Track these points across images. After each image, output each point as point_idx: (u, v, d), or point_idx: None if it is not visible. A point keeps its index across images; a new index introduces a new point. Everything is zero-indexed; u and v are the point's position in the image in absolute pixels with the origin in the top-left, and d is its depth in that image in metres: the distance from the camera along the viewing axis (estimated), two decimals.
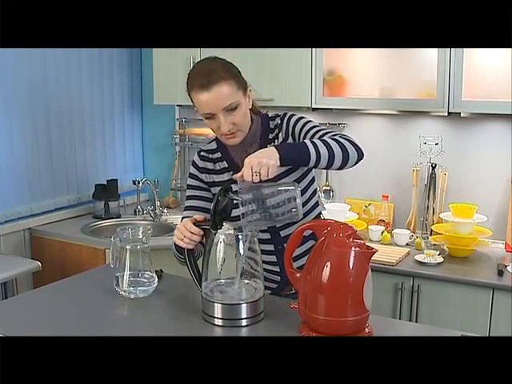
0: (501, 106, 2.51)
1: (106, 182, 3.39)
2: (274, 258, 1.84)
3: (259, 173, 1.52)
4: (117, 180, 3.43)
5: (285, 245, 1.68)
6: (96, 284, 1.94)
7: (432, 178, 2.89)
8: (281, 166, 1.56)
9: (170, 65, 3.23)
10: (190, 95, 1.78)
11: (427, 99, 2.68)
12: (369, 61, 2.84)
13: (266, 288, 1.87)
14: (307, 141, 1.62)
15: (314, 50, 2.81)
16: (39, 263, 2.68)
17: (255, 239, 1.66)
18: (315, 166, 1.63)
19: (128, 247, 1.81)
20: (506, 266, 2.47)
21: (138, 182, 3.39)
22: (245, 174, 1.53)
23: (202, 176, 1.88)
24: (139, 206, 3.44)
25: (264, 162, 1.53)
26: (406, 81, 2.78)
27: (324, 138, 1.67)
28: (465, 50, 2.54)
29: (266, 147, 1.68)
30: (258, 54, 2.92)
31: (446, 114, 2.65)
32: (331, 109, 2.99)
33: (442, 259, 2.58)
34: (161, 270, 1.97)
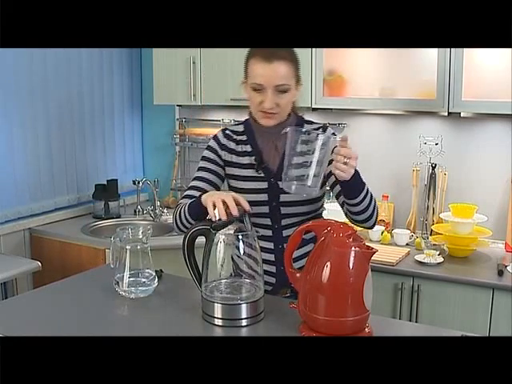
0: (501, 106, 2.51)
1: (106, 182, 3.39)
2: (272, 257, 1.84)
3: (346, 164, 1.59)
4: (117, 180, 3.43)
5: (285, 245, 1.69)
6: (96, 284, 1.94)
7: (432, 178, 2.89)
8: (349, 179, 1.62)
9: (170, 65, 3.23)
10: (247, 63, 1.77)
11: (427, 99, 2.68)
12: (369, 61, 2.84)
13: None
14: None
15: (313, 49, 2.81)
16: (39, 263, 2.68)
17: (255, 239, 1.66)
18: (356, 204, 1.70)
19: (128, 247, 1.81)
20: (506, 266, 2.47)
21: (138, 182, 3.39)
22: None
23: (221, 153, 1.88)
24: (139, 206, 3.44)
25: (350, 161, 1.60)
26: (406, 81, 2.78)
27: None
28: (465, 50, 2.54)
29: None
30: None
31: (446, 114, 2.66)
32: (331, 109, 2.99)
33: (442, 259, 2.58)
34: (161, 270, 1.97)
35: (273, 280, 1.86)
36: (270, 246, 1.84)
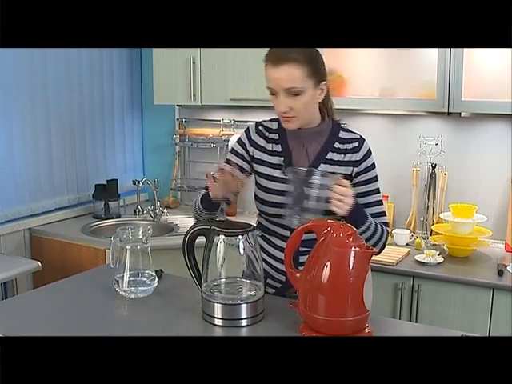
0: (501, 106, 2.51)
1: (106, 182, 3.39)
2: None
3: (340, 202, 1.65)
4: (117, 180, 3.43)
5: (300, 248, 1.70)
6: (96, 284, 1.94)
7: (432, 178, 2.89)
8: (346, 214, 1.67)
9: (170, 65, 3.23)
10: (265, 68, 1.75)
11: (427, 99, 2.68)
12: (369, 61, 2.84)
13: (270, 286, 1.87)
14: (371, 218, 1.77)
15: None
16: (39, 263, 2.68)
17: (256, 239, 1.66)
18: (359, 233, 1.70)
19: (128, 247, 1.81)
20: (506, 266, 2.47)
21: (138, 182, 3.39)
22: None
23: (249, 149, 1.87)
24: (139, 206, 3.44)
25: (345, 199, 1.65)
26: (406, 81, 2.78)
27: (378, 220, 1.81)
28: (465, 50, 2.54)
29: (328, 153, 1.78)
30: (258, 53, 2.91)
31: (446, 114, 2.65)
32: None
33: (442, 259, 2.58)
34: (161, 270, 1.97)
35: (283, 278, 1.85)
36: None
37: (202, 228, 1.69)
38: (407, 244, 2.82)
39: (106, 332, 1.60)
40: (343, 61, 2.89)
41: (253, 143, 1.87)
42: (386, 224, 1.87)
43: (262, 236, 1.90)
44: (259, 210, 1.89)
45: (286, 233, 1.83)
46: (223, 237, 1.63)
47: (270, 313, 1.67)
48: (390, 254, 2.64)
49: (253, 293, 1.65)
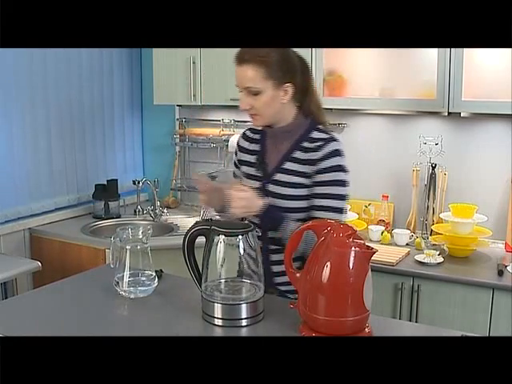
0: (501, 106, 2.51)
1: (106, 182, 3.39)
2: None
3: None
4: (117, 180, 3.43)
5: (270, 246, 1.79)
6: (96, 284, 1.94)
7: (432, 178, 2.89)
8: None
9: (170, 65, 3.23)
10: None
11: (427, 99, 2.68)
12: (369, 61, 2.84)
13: None
14: (285, 225, 1.76)
15: (313, 49, 2.81)
16: (39, 263, 2.68)
17: (255, 239, 1.66)
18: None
19: (128, 247, 1.81)
20: (506, 266, 2.47)
21: (138, 182, 3.39)
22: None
23: (238, 154, 1.98)
24: (139, 206, 3.44)
25: (245, 211, 1.72)
26: (406, 81, 2.78)
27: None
28: (465, 49, 2.54)
29: (294, 152, 1.80)
30: None
31: (446, 113, 2.65)
32: (331, 109, 2.98)
33: (442, 259, 2.57)
34: (161, 270, 1.97)
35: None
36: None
37: (202, 228, 1.69)
38: (407, 244, 2.82)
39: (105, 332, 1.60)
40: (343, 61, 2.89)
41: (240, 148, 1.98)
42: None
43: None
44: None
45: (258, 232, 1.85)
46: (223, 237, 1.63)
47: (269, 313, 1.67)
48: (390, 254, 2.64)
49: (253, 293, 1.64)
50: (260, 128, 1.91)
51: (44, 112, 3.12)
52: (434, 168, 2.88)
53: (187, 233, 1.71)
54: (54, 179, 3.23)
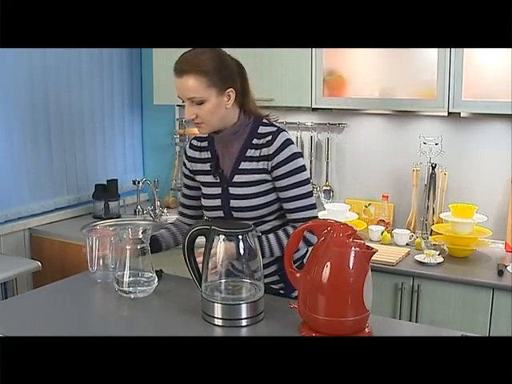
0: (501, 106, 2.51)
1: (106, 182, 3.39)
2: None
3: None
4: (117, 180, 3.43)
5: None
6: (96, 284, 1.94)
7: (432, 178, 2.89)
8: None
9: (170, 65, 3.19)
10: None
11: (427, 99, 2.68)
12: (369, 61, 2.84)
13: None
14: (267, 249, 1.80)
15: (313, 49, 2.81)
16: (39, 263, 2.68)
17: (255, 239, 1.66)
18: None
19: (128, 247, 1.81)
20: (506, 266, 2.47)
21: (138, 182, 3.39)
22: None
23: (189, 165, 1.99)
24: (139, 206, 3.44)
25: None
26: (406, 81, 2.77)
27: (299, 216, 1.80)
28: (465, 50, 2.53)
29: (247, 151, 1.81)
30: (258, 53, 2.92)
31: (446, 113, 2.65)
32: (331, 109, 2.99)
33: (442, 259, 2.57)
34: (161, 270, 1.97)
35: None
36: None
37: (202, 228, 1.69)
38: (407, 244, 2.82)
39: (105, 332, 1.60)
40: (343, 61, 2.89)
41: (189, 158, 1.99)
42: (308, 219, 1.74)
43: None
44: (205, 215, 1.97)
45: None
46: (223, 237, 1.63)
47: (270, 313, 1.67)
48: (390, 254, 2.64)
49: (253, 293, 1.64)
50: (205, 135, 1.92)
51: (44, 112, 3.12)
52: (434, 168, 2.88)
53: (187, 233, 1.71)
54: (54, 179, 3.23)
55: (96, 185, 3.38)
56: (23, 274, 2.68)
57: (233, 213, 1.85)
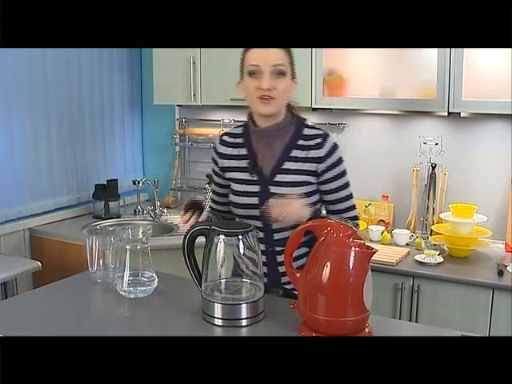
0: (501, 106, 2.51)
1: (106, 182, 3.39)
2: (263, 258, 1.83)
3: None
4: (117, 180, 3.43)
5: (276, 248, 1.79)
6: (96, 284, 1.94)
7: (432, 178, 2.89)
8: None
9: (170, 65, 3.23)
10: (243, 57, 1.79)
11: (427, 99, 2.68)
12: (369, 61, 2.84)
13: None
14: None
15: (313, 50, 2.81)
16: (39, 263, 2.68)
17: (255, 239, 1.66)
18: None
19: (128, 247, 1.81)
20: (506, 266, 2.47)
21: (138, 182, 3.39)
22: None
23: (220, 162, 1.91)
24: (139, 206, 3.44)
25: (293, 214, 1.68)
26: (406, 81, 2.77)
27: (347, 215, 1.82)
28: (465, 50, 2.54)
29: (291, 151, 1.79)
30: None
31: (446, 113, 2.65)
32: (331, 109, 2.99)
33: (442, 259, 2.57)
34: None
35: (264, 280, 1.86)
36: (262, 247, 1.82)
37: (202, 228, 1.69)
38: (407, 244, 2.82)
39: (105, 332, 1.60)
40: (343, 61, 2.89)
41: (220, 155, 1.91)
42: (356, 218, 1.87)
43: None
44: (234, 213, 1.91)
45: (260, 234, 1.84)
46: (223, 237, 1.63)
47: (270, 313, 1.67)
48: (390, 254, 2.64)
49: (253, 293, 1.64)
50: (240, 132, 1.90)
51: (44, 112, 3.12)
52: (434, 168, 2.88)
53: (187, 233, 1.71)
54: (54, 179, 3.23)
55: (96, 185, 3.38)
56: (23, 274, 2.68)
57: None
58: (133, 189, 3.48)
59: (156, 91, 3.31)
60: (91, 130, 3.44)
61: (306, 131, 1.83)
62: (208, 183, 3.13)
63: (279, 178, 1.80)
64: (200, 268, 1.70)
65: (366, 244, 1.51)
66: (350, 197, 1.86)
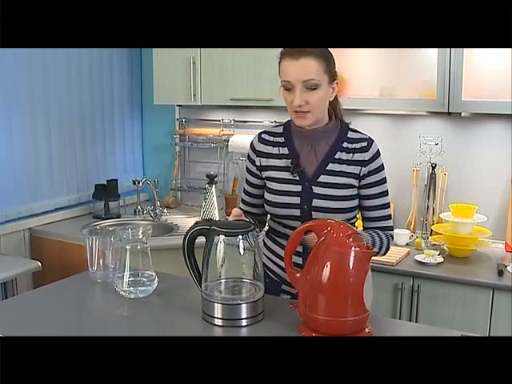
0: (501, 106, 2.51)
1: (106, 182, 3.39)
2: (300, 260, 1.79)
3: None
4: (117, 180, 3.43)
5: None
6: (96, 284, 1.94)
7: (432, 178, 2.89)
8: None
9: (170, 65, 3.23)
10: (279, 65, 1.76)
11: (427, 99, 2.68)
12: (369, 61, 2.84)
13: (285, 293, 1.87)
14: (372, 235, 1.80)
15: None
16: (39, 263, 2.68)
17: (255, 239, 1.66)
18: None
19: (128, 247, 1.81)
20: (506, 266, 2.47)
21: (138, 182, 3.39)
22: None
23: (257, 160, 1.88)
24: (139, 206, 3.44)
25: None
26: (406, 81, 2.77)
27: (379, 231, 1.82)
28: (465, 49, 2.54)
29: (336, 153, 1.79)
30: (257, 53, 2.92)
31: (446, 113, 2.65)
32: None
33: (442, 259, 2.57)
34: None
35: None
36: (299, 249, 1.76)
37: (202, 228, 1.69)
38: (407, 244, 2.82)
39: (105, 332, 1.60)
40: (343, 61, 2.86)
41: (259, 153, 1.88)
42: (391, 228, 1.87)
43: (272, 239, 1.92)
44: (270, 212, 1.89)
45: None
46: (223, 237, 1.63)
47: (269, 313, 1.67)
48: (389, 254, 2.61)
49: (253, 293, 1.64)
50: (280, 131, 1.87)
51: (44, 112, 3.12)
52: (434, 168, 2.88)
53: (187, 233, 1.71)
54: (54, 179, 3.23)
55: (96, 185, 3.38)
56: (23, 274, 2.68)
57: (312, 212, 1.79)
58: (133, 189, 3.48)
59: (156, 91, 3.31)
60: (91, 130, 3.44)
61: (351, 134, 1.84)
62: (208, 183, 3.13)
63: (323, 178, 1.79)
64: (200, 268, 1.69)
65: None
66: (387, 206, 1.85)
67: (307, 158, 1.82)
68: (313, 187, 1.79)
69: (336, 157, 1.80)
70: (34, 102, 3.06)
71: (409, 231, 2.88)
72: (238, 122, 3.42)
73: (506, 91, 2.46)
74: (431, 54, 2.61)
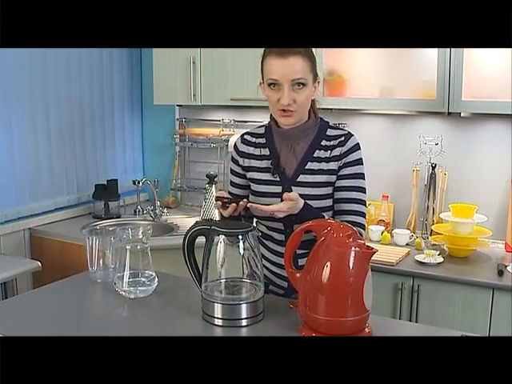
0: (501, 106, 2.51)
1: (106, 182, 3.39)
2: (282, 237, 1.82)
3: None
4: (117, 180, 3.43)
5: (297, 251, 1.69)
6: (96, 284, 1.94)
7: (432, 178, 2.89)
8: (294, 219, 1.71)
9: (170, 65, 3.23)
10: (262, 62, 1.76)
11: (427, 99, 2.68)
12: (369, 61, 2.84)
13: (271, 293, 1.87)
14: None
15: (314, 50, 2.80)
16: (39, 263, 2.68)
17: (256, 239, 1.66)
18: None
19: (128, 247, 1.81)
20: (506, 266, 2.47)
21: (138, 182, 3.39)
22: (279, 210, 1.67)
23: (241, 160, 1.89)
24: (139, 206, 3.44)
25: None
26: (406, 81, 2.77)
27: (352, 218, 1.76)
28: (465, 50, 2.54)
29: (314, 152, 1.77)
30: (258, 53, 2.91)
31: (446, 114, 2.65)
32: (331, 109, 2.99)
33: (442, 259, 2.57)
34: None
35: (285, 284, 1.85)
36: (283, 250, 1.75)
37: (202, 228, 1.69)
38: (407, 244, 2.82)
39: (105, 332, 1.60)
40: (343, 61, 2.89)
41: (242, 154, 1.89)
42: (362, 226, 1.79)
43: (259, 241, 1.90)
44: (253, 214, 1.87)
45: (281, 237, 1.83)
46: (223, 237, 1.63)
47: (270, 313, 1.67)
48: (389, 254, 2.64)
49: (253, 293, 1.64)
50: (262, 132, 1.88)
51: (44, 112, 3.12)
52: (434, 168, 2.88)
53: (187, 233, 1.71)
54: (54, 179, 3.23)
55: (96, 185, 3.38)
56: (23, 274, 2.68)
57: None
58: (133, 189, 3.48)
59: (156, 91, 3.31)
60: (91, 130, 3.44)
61: (330, 132, 1.82)
62: (208, 183, 3.13)
63: (302, 178, 1.79)
64: (200, 268, 1.70)
65: (366, 244, 1.51)
66: (361, 202, 1.80)
67: (287, 159, 1.82)
68: (292, 187, 1.78)
69: (314, 155, 1.80)
70: (33, 101, 3.06)
71: (409, 231, 2.88)
72: (237, 122, 3.42)
73: (506, 91, 2.46)
74: (431, 54, 2.61)
